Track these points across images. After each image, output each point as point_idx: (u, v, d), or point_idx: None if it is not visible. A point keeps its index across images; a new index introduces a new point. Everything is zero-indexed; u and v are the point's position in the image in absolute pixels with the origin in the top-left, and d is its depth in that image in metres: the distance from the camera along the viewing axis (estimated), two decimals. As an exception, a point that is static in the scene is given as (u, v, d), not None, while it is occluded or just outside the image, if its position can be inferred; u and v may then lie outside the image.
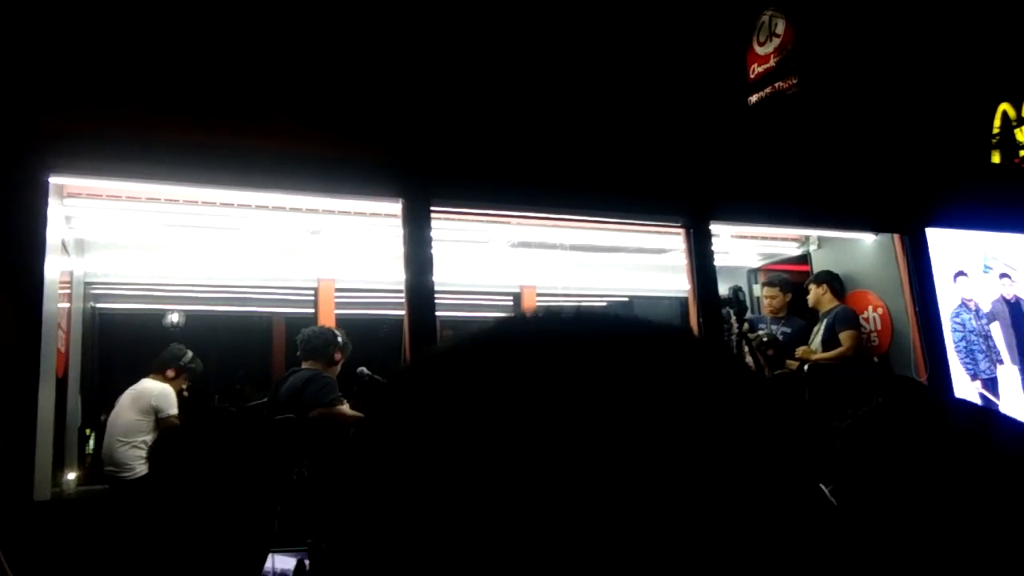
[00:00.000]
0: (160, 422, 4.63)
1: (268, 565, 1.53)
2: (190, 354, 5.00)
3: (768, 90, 8.33)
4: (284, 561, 1.64)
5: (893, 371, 1.74)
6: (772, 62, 8.60)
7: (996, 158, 9.77)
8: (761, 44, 8.38)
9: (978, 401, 4.89)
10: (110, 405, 5.05)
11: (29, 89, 3.18)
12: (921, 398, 1.51)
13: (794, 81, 8.09)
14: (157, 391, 4.74)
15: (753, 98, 8.19)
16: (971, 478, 0.88)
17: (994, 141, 9.98)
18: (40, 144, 3.19)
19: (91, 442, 5.29)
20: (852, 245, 5.30)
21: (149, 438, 4.63)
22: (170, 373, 4.90)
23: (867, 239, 5.18)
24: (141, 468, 4.65)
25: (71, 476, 4.43)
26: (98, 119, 3.27)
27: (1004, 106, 10.24)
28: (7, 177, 3.18)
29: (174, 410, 4.71)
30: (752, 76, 8.44)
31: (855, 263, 5.29)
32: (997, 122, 10.24)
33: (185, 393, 6.04)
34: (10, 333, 3.12)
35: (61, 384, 4.10)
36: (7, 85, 3.13)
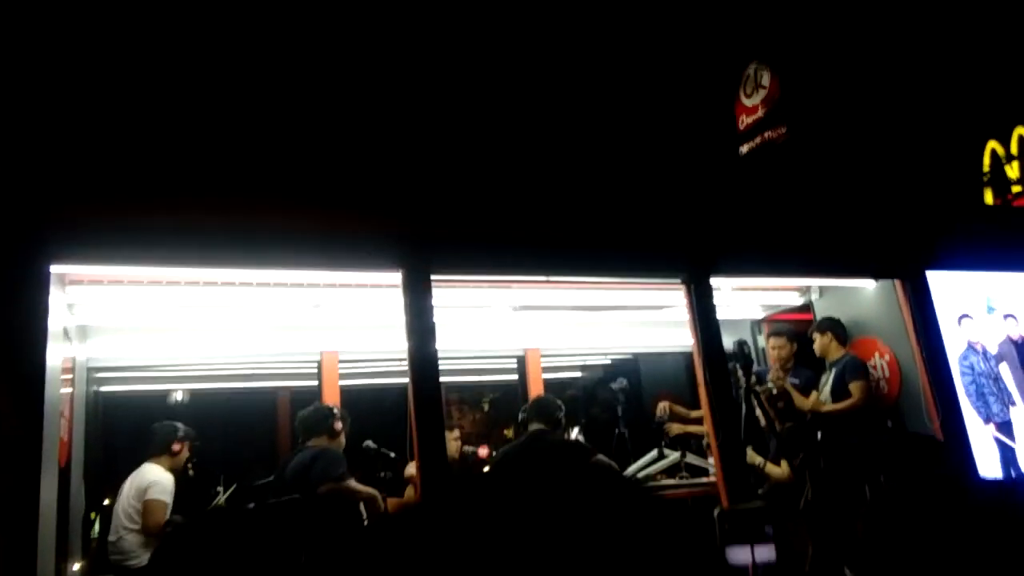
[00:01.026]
0: (145, 505, 4.54)
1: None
2: (180, 425, 4.91)
3: (758, 140, 8.43)
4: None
5: (907, 431, 1.71)
6: (760, 112, 8.73)
7: (988, 197, 9.84)
8: (748, 96, 8.53)
9: (994, 446, 4.82)
10: (115, 488, 4.98)
11: (29, 181, 3.22)
12: (940, 472, 1.48)
13: (783, 130, 8.20)
14: (151, 477, 4.66)
15: (744, 148, 8.28)
16: (1000, 559, 0.86)
17: (985, 180, 10.06)
18: (41, 234, 3.21)
19: (96, 526, 5.20)
20: (854, 292, 5.30)
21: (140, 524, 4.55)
22: (175, 448, 4.81)
23: (869, 285, 5.18)
24: (145, 555, 4.56)
25: (76, 567, 4.34)
26: (97, 207, 3.30)
27: (992, 144, 10.33)
28: (8, 268, 3.20)
29: (161, 495, 4.59)
30: (742, 127, 8.56)
31: (858, 310, 5.28)
32: (987, 160, 10.34)
33: (191, 471, 5.96)
34: (11, 425, 3.09)
35: (64, 473, 4.05)
36: (7, 177, 3.17)
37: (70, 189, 3.27)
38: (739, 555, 1.40)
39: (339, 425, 4.34)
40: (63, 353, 3.70)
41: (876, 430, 1.52)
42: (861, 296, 5.27)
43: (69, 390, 4.32)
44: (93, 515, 5.12)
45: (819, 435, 1.49)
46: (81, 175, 3.31)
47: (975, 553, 0.85)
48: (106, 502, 5.45)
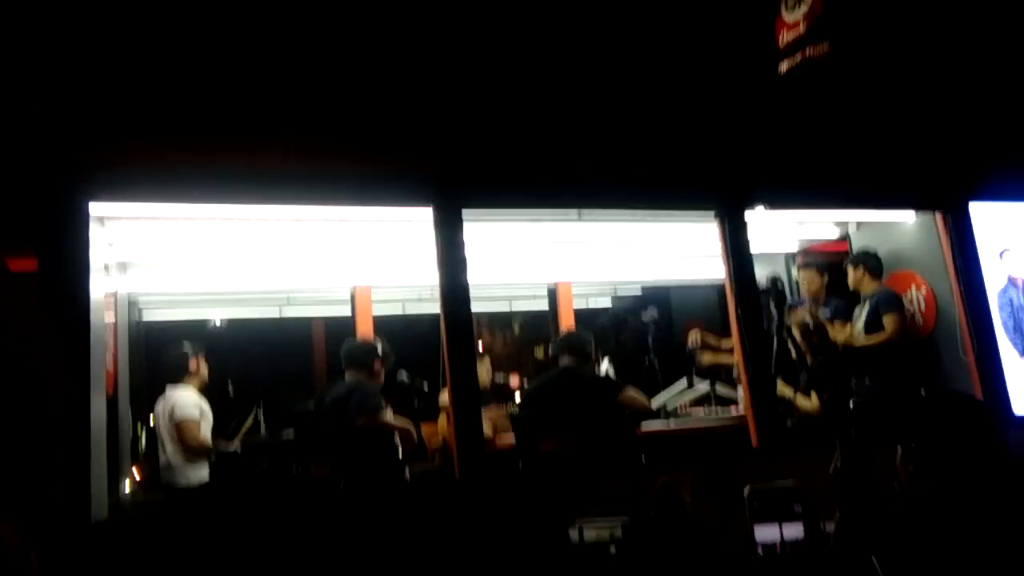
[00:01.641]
0: (177, 426, 4.72)
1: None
2: (187, 344, 5.04)
3: (799, 57, 8.10)
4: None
5: (943, 391, 1.70)
6: (802, 28, 8.36)
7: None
8: (789, 10, 8.16)
9: (1027, 380, 4.79)
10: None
11: (68, 123, 3.25)
12: (977, 441, 1.48)
13: (825, 47, 7.86)
14: (173, 400, 4.83)
15: (784, 67, 7.97)
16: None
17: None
18: (80, 175, 3.27)
19: (143, 440, 5.45)
20: (892, 225, 5.19)
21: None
22: (191, 367, 4.96)
23: (908, 218, 5.07)
24: (192, 475, 4.77)
25: (127, 487, 4.57)
26: (134, 147, 3.34)
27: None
28: (51, 207, 3.27)
29: (187, 412, 4.77)
30: (781, 44, 8.23)
31: (897, 243, 5.18)
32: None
33: (231, 392, 6.15)
34: (60, 357, 3.21)
35: (112, 400, 4.22)
36: (46, 119, 3.20)
37: (108, 130, 3.31)
38: (767, 533, 1.43)
39: (378, 365, 4.45)
40: (105, 287, 3.80)
41: (910, 393, 1.52)
42: (899, 229, 5.17)
43: (112, 320, 4.45)
44: (140, 426, 5.35)
45: (851, 405, 1.49)
46: (118, 116, 3.33)
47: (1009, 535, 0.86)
48: (152, 423, 5.70)
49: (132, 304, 5.00)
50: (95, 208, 3.38)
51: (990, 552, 0.85)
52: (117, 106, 3.32)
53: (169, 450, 4.77)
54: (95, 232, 3.41)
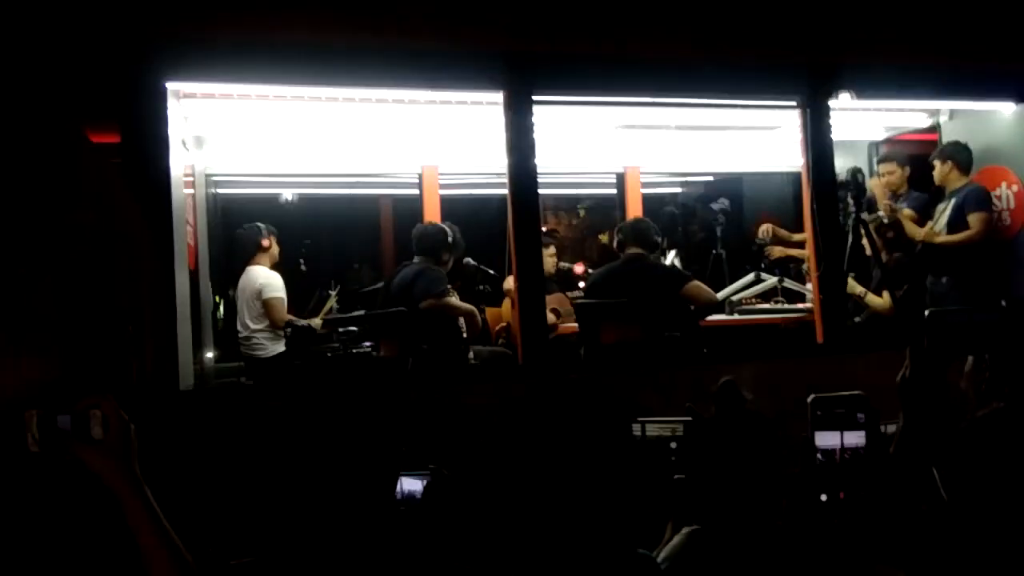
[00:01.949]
0: (265, 304, 4.93)
1: (398, 487, 1.67)
2: (259, 224, 5.18)
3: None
4: (411, 483, 1.78)
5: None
6: None
7: None
8: None
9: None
10: (235, 281, 5.42)
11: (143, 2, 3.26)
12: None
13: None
14: (263, 276, 5.01)
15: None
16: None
17: None
18: (156, 53, 3.30)
19: (221, 309, 5.74)
20: (988, 116, 4.87)
21: (266, 320, 4.97)
22: (265, 244, 5.12)
23: (1006, 109, 4.75)
24: (272, 347, 5.03)
25: (209, 355, 4.84)
26: (207, 25, 3.34)
27: None
28: (128, 85, 3.33)
29: (276, 293, 4.96)
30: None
31: (990, 136, 4.88)
32: None
33: (303, 267, 6.35)
34: (144, 233, 3.35)
35: (193, 274, 4.41)
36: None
37: (184, 7, 3.30)
38: (828, 439, 1.45)
39: (446, 256, 4.51)
40: (183, 162, 3.90)
41: (988, 305, 1.47)
42: (995, 120, 4.84)
43: (191, 191, 4.59)
44: (217, 298, 5.62)
45: (926, 314, 1.44)
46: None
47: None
48: (229, 292, 5.97)
49: (209, 180, 5.12)
50: (172, 84, 3.43)
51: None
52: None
53: (250, 323, 5.01)
54: (172, 107, 3.48)
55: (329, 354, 4.15)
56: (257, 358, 4.98)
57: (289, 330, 4.50)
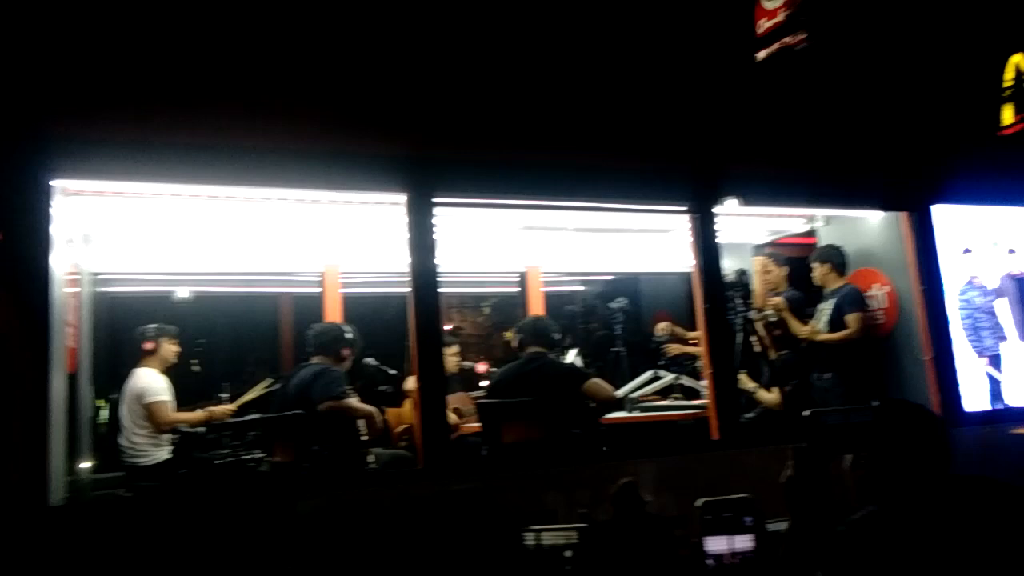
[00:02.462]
0: (146, 408, 4.73)
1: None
2: (151, 326, 5.07)
3: (776, 46, 8.19)
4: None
5: (895, 402, 1.73)
6: (781, 16, 8.43)
7: (1007, 115, 9.59)
8: (769, -1, 8.23)
9: (985, 379, 4.92)
10: (120, 382, 5.15)
11: (30, 98, 3.18)
12: (930, 455, 1.52)
13: (803, 37, 7.94)
14: (142, 381, 4.86)
15: (761, 54, 8.05)
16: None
17: (1005, 95, 9.78)
18: (42, 150, 3.20)
19: (104, 414, 5.41)
20: (859, 222, 5.26)
21: (149, 426, 4.73)
22: (148, 346, 4.95)
23: (875, 216, 5.15)
24: (156, 453, 4.75)
25: (87, 465, 4.52)
26: (98, 123, 3.27)
27: (1016, 58, 9.98)
28: (12, 182, 3.20)
29: (159, 396, 4.81)
30: (760, 32, 8.29)
31: (862, 240, 5.26)
32: (1009, 75, 10.02)
33: (196, 368, 6.11)
34: (18, 335, 3.16)
35: (72, 378, 4.16)
36: (10, 95, 3.13)
37: (71, 106, 3.24)
38: (718, 544, 1.47)
39: (346, 352, 4.46)
40: (68, 260, 3.73)
41: (862, 412, 1.55)
42: (866, 226, 5.24)
43: (76, 290, 4.39)
44: (101, 402, 5.31)
45: (806, 414, 1.52)
46: (83, 91, 3.26)
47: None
48: (116, 395, 5.65)
49: (96, 278, 4.91)
50: (59, 181, 3.32)
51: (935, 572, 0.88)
52: (81, 80, 3.25)
53: (131, 429, 4.75)
54: (58, 205, 3.35)
55: (218, 461, 3.95)
56: (139, 466, 4.69)
57: (176, 436, 4.27)
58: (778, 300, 5.15)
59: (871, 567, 0.94)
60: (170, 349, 5.04)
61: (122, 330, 6.14)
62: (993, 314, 5.10)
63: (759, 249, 6.04)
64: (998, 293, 5.16)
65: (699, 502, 1.50)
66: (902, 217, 4.94)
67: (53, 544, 2.93)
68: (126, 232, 4.62)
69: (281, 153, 3.57)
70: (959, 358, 4.81)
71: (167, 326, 5.11)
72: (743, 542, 1.46)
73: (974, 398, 4.84)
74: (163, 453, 4.74)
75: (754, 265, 5.46)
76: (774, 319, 5.02)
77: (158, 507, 3.35)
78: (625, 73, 4.47)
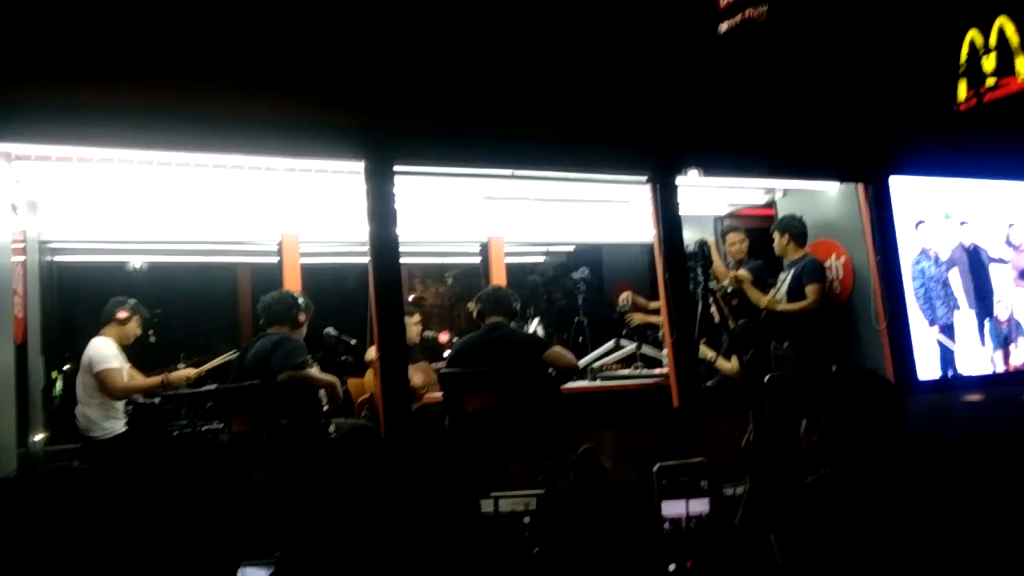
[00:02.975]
0: (96, 377, 4.62)
1: (238, 579, 1.56)
2: (129, 300, 4.95)
3: (739, 18, 8.25)
4: (255, 574, 1.66)
5: (852, 369, 1.76)
6: (742, -10, 8.49)
7: (962, 90, 9.77)
8: (732, -28, 8.25)
9: (936, 348, 5.04)
10: (75, 353, 5.04)
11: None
12: (884, 420, 1.55)
13: (764, 9, 8.01)
14: (92, 349, 4.74)
15: (724, 26, 8.10)
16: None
17: (961, 71, 9.94)
18: (-17, 112, 3.06)
19: (58, 385, 5.30)
20: (817, 194, 5.33)
21: (101, 397, 4.63)
22: (121, 315, 4.85)
23: (832, 188, 5.21)
24: (110, 427, 4.66)
25: (39, 437, 4.42)
26: (43, 85, 3.13)
27: (972, 33, 10.13)
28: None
29: (108, 364, 4.68)
30: (723, 4, 8.34)
31: (820, 211, 5.33)
32: (965, 50, 10.18)
33: (152, 338, 6.01)
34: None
35: (21, 348, 4.05)
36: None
37: (15, 66, 3.09)
38: (674, 508, 1.48)
39: (302, 317, 4.37)
40: (12, 228, 3.61)
41: (820, 372, 1.58)
42: (823, 198, 5.31)
43: (22, 258, 4.25)
44: (55, 374, 5.19)
45: (765, 380, 1.54)
46: (26, 51, 3.11)
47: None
48: (67, 367, 5.52)
49: (44, 247, 4.76)
50: (3, 145, 3.19)
51: (885, 539, 0.89)
52: (26, 40, 3.11)
53: (84, 400, 4.65)
54: (2, 170, 3.23)
55: (175, 432, 3.88)
56: (95, 439, 4.60)
57: (130, 407, 4.19)
58: (743, 272, 5.21)
59: (822, 529, 0.95)
60: (134, 327, 4.94)
61: (75, 300, 6.01)
62: (946, 284, 5.21)
63: (721, 220, 6.10)
64: (950, 264, 5.27)
65: (656, 467, 1.51)
66: (859, 188, 5.00)
67: (2, 515, 2.86)
68: (76, 199, 4.47)
69: (236, 119, 3.47)
70: (913, 327, 4.92)
71: (141, 306, 5.00)
72: (699, 506, 1.48)
73: (927, 366, 4.96)
74: (119, 425, 4.65)
75: (729, 238, 5.51)
76: (731, 290, 5.07)
77: (111, 480, 3.28)
78: (587, 43, 4.43)
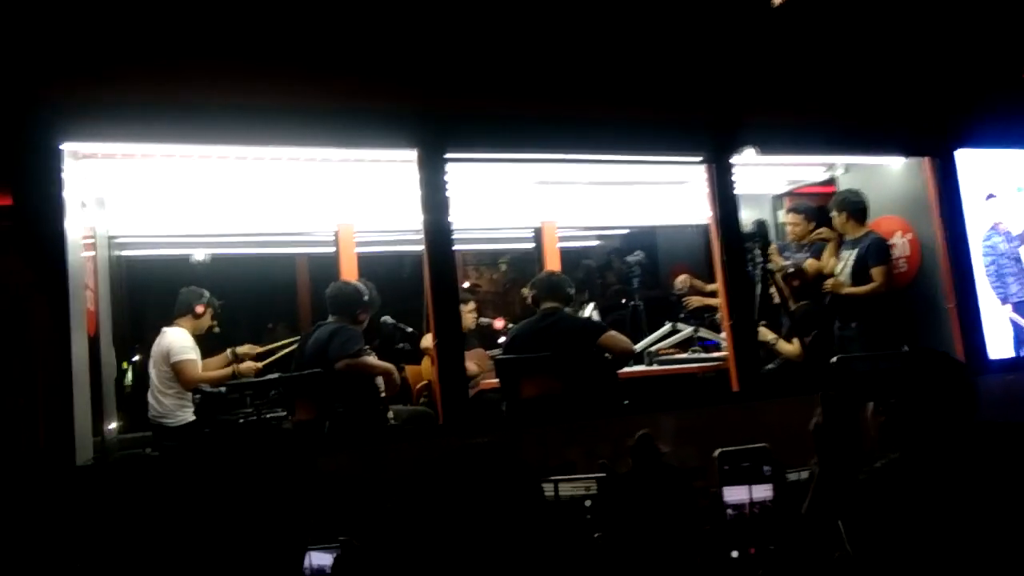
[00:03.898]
0: (174, 368, 4.75)
1: (306, 562, 1.59)
2: (205, 292, 5.08)
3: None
4: (320, 557, 1.69)
5: (924, 352, 1.70)
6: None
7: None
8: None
9: (1009, 326, 4.84)
10: (144, 347, 5.20)
11: (40, 60, 3.15)
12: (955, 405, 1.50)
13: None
14: (168, 339, 4.88)
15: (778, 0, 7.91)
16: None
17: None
18: (51, 112, 3.18)
19: (129, 376, 5.48)
20: (881, 169, 5.16)
21: (176, 386, 4.78)
22: (199, 310, 4.99)
23: (896, 163, 5.04)
24: (182, 415, 4.81)
25: (112, 426, 4.58)
26: (107, 85, 3.25)
27: (1045, -2, 9.71)
28: (22, 146, 3.19)
29: (186, 355, 4.82)
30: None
31: (884, 187, 5.16)
32: (1035, 15, 9.73)
33: (216, 329, 6.17)
34: (36, 298, 3.18)
35: (93, 340, 4.19)
36: (18, 54, 3.10)
37: (80, 67, 3.21)
38: (737, 494, 1.46)
39: (362, 316, 4.46)
40: (82, 224, 3.74)
41: (889, 354, 1.53)
42: (887, 173, 5.13)
43: (92, 253, 4.40)
44: (125, 364, 5.37)
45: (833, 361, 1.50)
46: (89, 52, 3.22)
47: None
48: (136, 357, 5.71)
49: (112, 242, 4.92)
50: (69, 145, 3.30)
51: (956, 526, 0.86)
52: (90, 42, 3.21)
53: (158, 389, 4.80)
54: (70, 168, 3.34)
55: (241, 420, 3.99)
56: (166, 427, 4.76)
57: (198, 396, 4.31)
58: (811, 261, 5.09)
59: (890, 514, 0.92)
60: (207, 319, 5.10)
61: (143, 292, 6.19)
62: (1018, 260, 5.00)
63: (779, 199, 5.96)
64: (1022, 239, 5.05)
65: (716, 452, 1.49)
66: (924, 163, 4.83)
67: (81, 503, 2.98)
68: (141, 195, 4.61)
69: (290, 111, 3.54)
70: (983, 305, 4.74)
71: (214, 299, 5.14)
72: (762, 491, 1.45)
73: (999, 346, 4.77)
74: (189, 414, 4.79)
75: (789, 218, 5.38)
76: (792, 270, 4.95)
77: (182, 466, 3.39)
78: (638, 21, 4.36)
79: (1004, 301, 4.89)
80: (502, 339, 5.33)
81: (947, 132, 4.79)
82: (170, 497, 3.06)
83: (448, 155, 3.74)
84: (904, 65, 4.81)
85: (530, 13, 3.91)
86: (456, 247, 3.85)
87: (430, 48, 3.76)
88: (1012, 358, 4.81)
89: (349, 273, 5.12)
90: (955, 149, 4.80)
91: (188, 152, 3.79)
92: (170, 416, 4.79)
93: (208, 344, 5.50)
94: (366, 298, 4.48)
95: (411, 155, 3.75)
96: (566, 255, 6.13)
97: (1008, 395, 4.48)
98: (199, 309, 4.98)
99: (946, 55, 4.91)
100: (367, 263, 5.46)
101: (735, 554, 1.43)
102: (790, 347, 4.78)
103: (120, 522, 2.97)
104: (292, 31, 3.56)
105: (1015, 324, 4.90)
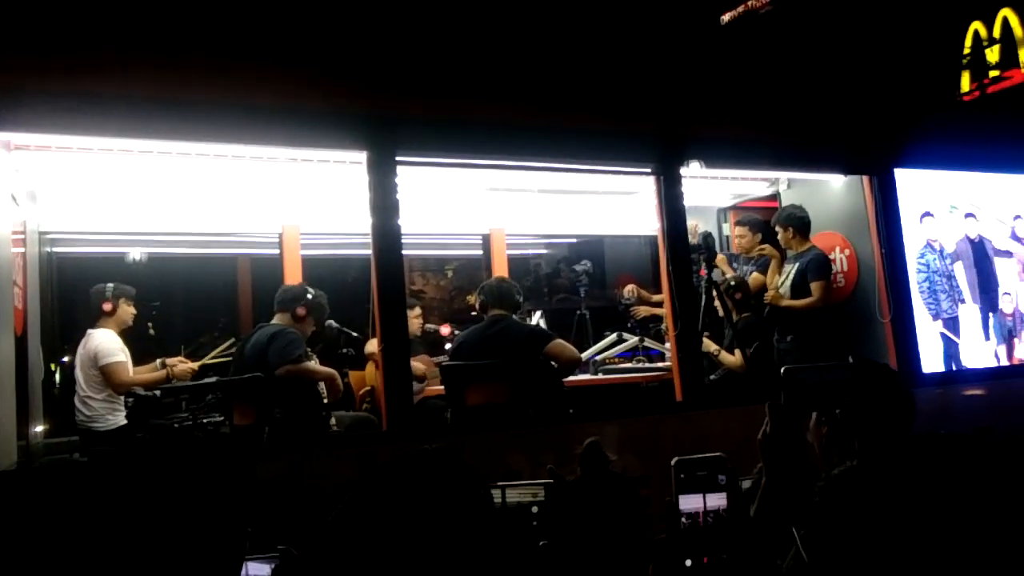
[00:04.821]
0: (103, 371, 4.59)
1: (243, 572, 1.53)
2: (109, 285, 4.89)
3: (741, 9, 8.22)
4: (258, 568, 1.64)
5: (865, 362, 1.75)
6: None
7: (965, 82, 9.72)
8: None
9: (940, 341, 5.01)
10: (74, 345, 5.00)
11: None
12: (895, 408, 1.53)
13: (766, 0, 7.98)
14: (95, 342, 4.70)
15: (726, 17, 8.07)
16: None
17: (964, 63, 9.89)
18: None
19: (57, 377, 5.27)
20: (822, 186, 5.29)
21: (105, 389, 4.61)
22: (106, 307, 4.80)
23: (836, 180, 5.18)
24: (113, 419, 4.64)
25: (39, 429, 4.39)
26: (42, 73, 3.10)
27: (976, 25, 10.07)
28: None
29: (114, 357, 4.65)
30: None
31: (824, 204, 5.29)
32: (968, 42, 10.13)
33: (152, 330, 5.97)
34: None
35: (21, 340, 4.01)
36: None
37: (13, 54, 3.05)
38: (692, 503, 1.46)
39: (301, 312, 4.33)
40: (12, 219, 3.58)
41: (837, 365, 1.56)
42: (828, 190, 5.27)
43: (21, 250, 4.22)
44: (53, 366, 5.16)
45: (782, 371, 1.53)
46: (23, 38, 3.07)
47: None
48: (66, 358, 5.49)
49: (43, 238, 4.73)
50: (1, 134, 3.16)
51: (916, 534, 0.86)
52: (24, 27, 3.07)
53: (87, 393, 4.62)
54: (1, 159, 3.19)
55: (176, 425, 3.86)
56: (95, 431, 4.58)
57: (131, 400, 4.16)
58: (756, 275, 5.19)
59: (853, 522, 0.92)
60: (127, 310, 4.89)
61: (75, 291, 5.97)
62: (951, 277, 5.18)
63: (724, 212, 6.06)
64: (955, 257, 5.24)
65: (673, 461, 1.49)
66: (864, 180, 4.97)
67: (2, 510, 2.83)
68: (76, 190, 4.44)
69: (236, 107, 3.44)
70: (917, 320, 4.90)
71: (124, 286, 4.93)
72: (716, 500, 1.45)
73: (931, 360, 4.93)
74: (120, 418, 4.63)
75: (736, 231, 5.48)
76: (734, 283, 5.04)
77: (114, 471, 3.25)
78: (590, 33, 4.40)
79: (936, 317, 5.06)
80: (448, 346, 5.29)
81: (886, 151, 4.94)
82: (99, 504, 2.93)
83: (399, 158, 3.70)
84: (846, 85, 4.95)
85: (484, 20, 3.91)
86: (404, 252, 3.80)
87: (383, 48, 3.71)
88: (942, 372, 4.97)
89: (293, 276, 5.02)
90: (894, 168, 4.95)
91: (128, 147, 3.66)
92: (100, 420, 4.61)
93: (143, 347, 5.33)
94: (309, 295, 4.39)
95: (360, 157, 3.69)
96: (514, 263, 6.13)
97: (939, 408, 4.63)
98: (107, 307, 4.78)
99: (887, 77, 5.08)
100: (312, 266, 5.37)
101: (689, 563, 1.43)
102: (732, 358, 4.86)
103: (45, 530, 2.83)
104: (240, 25, 3.48)
105: (946, 339, 5.07)
